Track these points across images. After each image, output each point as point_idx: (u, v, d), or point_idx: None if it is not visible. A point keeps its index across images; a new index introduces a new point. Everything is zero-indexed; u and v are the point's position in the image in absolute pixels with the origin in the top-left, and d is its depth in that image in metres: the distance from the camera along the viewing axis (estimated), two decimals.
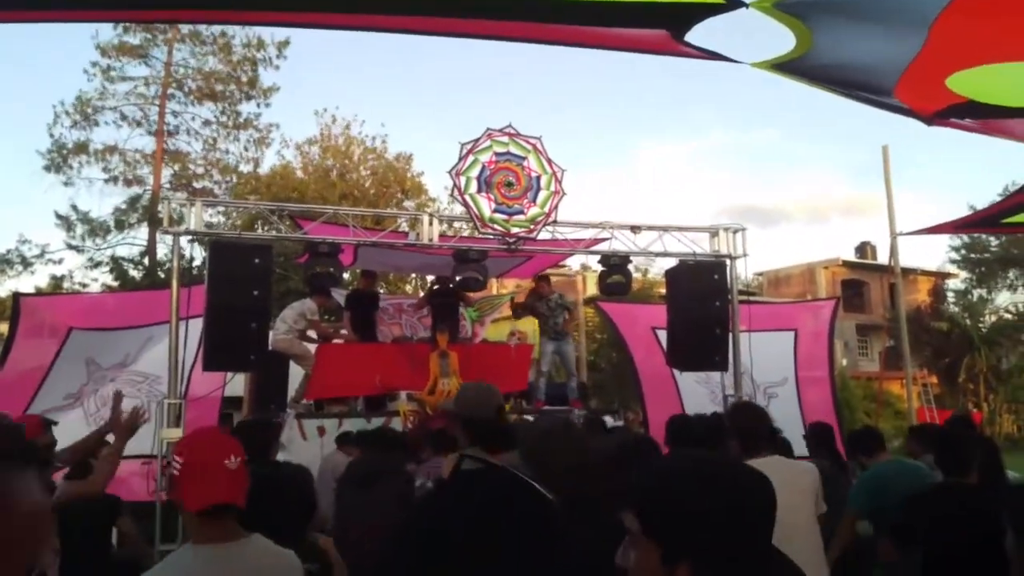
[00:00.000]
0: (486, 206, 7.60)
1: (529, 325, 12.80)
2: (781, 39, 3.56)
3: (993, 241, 34.82)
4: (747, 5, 3.16)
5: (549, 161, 7.84)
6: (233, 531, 2.15)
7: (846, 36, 3.54)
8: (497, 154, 7.69)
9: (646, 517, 1.31)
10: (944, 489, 3.69)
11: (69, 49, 46.53)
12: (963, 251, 36.78)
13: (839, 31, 3.47)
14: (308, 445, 7.92)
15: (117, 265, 23.99)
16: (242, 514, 2.17)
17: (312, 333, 9.12)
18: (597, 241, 8.74)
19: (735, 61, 3.86)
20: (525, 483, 2.07)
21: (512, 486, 2.00)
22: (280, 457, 6.62)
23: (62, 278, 24.28)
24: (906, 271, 35.61)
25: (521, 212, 7.73)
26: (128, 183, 25.81)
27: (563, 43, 4.14)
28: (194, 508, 2.05)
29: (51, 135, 25.06)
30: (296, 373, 9.10)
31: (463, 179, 7.57)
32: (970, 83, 3.86)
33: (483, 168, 7.62)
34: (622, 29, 3.71)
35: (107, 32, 25.16)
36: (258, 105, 26.68)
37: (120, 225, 25.00)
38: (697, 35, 3.56)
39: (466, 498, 1.86)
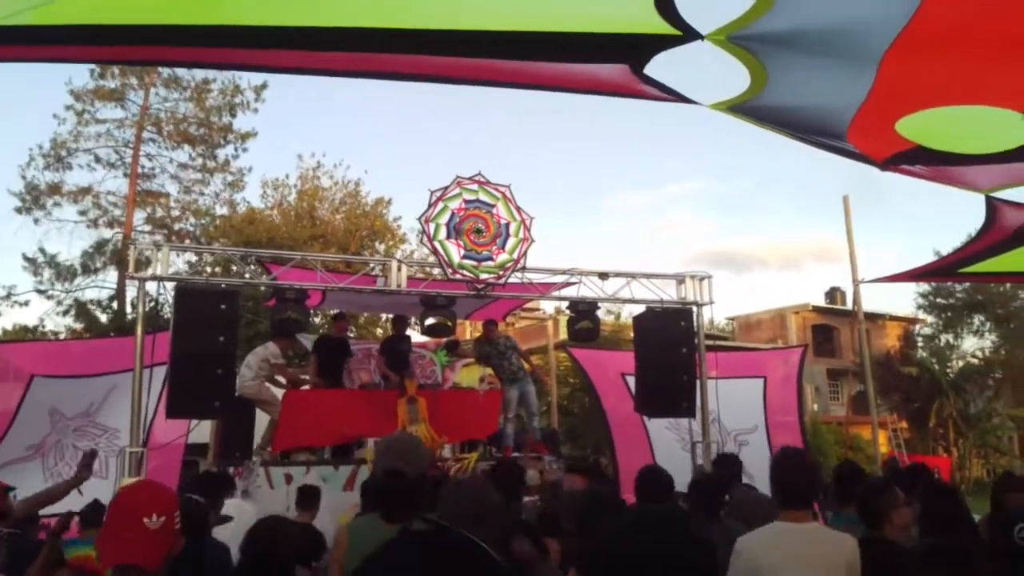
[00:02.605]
0: (455, 252, 7.66)
1: None
2: (737, 79, 3.65)
3: (958, 287, 35.48)
4: (703, 37, 3.25)
5: (518, 209, 7.95)
6: None
7: (799, 74, 3.62)
8: (467, 201, 7.78)
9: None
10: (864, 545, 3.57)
11: (41, 90, 46.45)
12: (930, 296, 37.41)
13: (792, 68, 3.54)
14: (275, 493, 7.79)
15: (83, 309, 23.72)
16: None
17: (280, 378, 9.04)
18: (566, 286, 8.82)
19: (693, 102, 3.93)
20: (476, 545, 2.07)
21: (462, 548, 2.00)
22: (248, 504, 6.56)
23: (35, 328, 23.95)
24: (875, 316, 36.29)
25: (490, 258, 7.80)
26: (104, 225, 25.72)
27: (524, 85, 4.09)
28: (106, 564, 2.00)
29: (23, 177, 24.97)
30: (263, 419, 8.99)
31: (432, 225, 7.64)
32: (919, 128, 3.96)
33: (453, 215, 7.70)
34: (582, 65, 3.75)
35: (81, 77, 25.21)
36: (235, 149, 26.79)
37: (86, 268, 24.80)
38: (656, 75, 3.63)
39: (415, 560, 1.86)
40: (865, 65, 3.28)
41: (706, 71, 3.66)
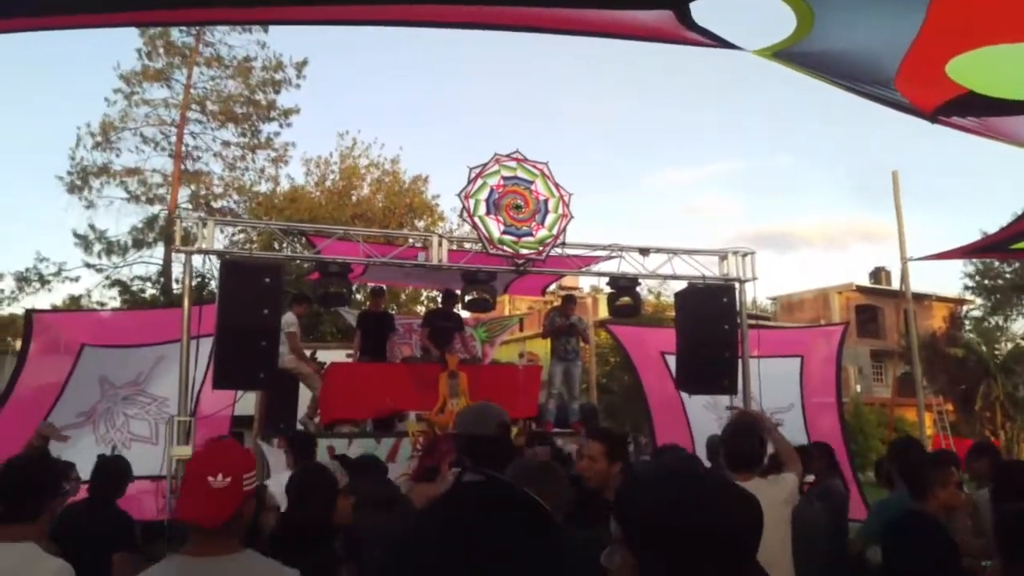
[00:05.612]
0: (495, 228, 7.67)
1: (541, 347, 12.78)
2: (782, 23, 3.57)
3: (1007, 268, 34.52)
4: None
5: (556, 185, 7.92)
6: (223, 545, 2.09)
7: (847, 14, 3.53)
8: (505, 178, 7.78)
9: (624, 526, 1.33)
10: (907, 518, 3.71)
11: (91, 70, 47.38)
12: (977, 277, 36.47)
13: (840, 7, 3.45)
14: None
15: (126, 288, 24.27)
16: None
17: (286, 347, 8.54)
18: (607, 259, 8.77)
19: (737, 47, 3.86)
20: (525, 495, 2.09)
21: (512, 497, 2.02)
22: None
23: (79, 297, 24.54)
24: (922, 296, 35.46)
25: (530, 234, 7.80)
26: (150, 201, 26.18)
27: (568, 31, 4.06)
28: (177, 517, 2.09)
29: (72, 157, 25.47)
30: (306, 391, 9.13)
31: (472, 201, 7.65)
32: (969, 70, 3.79)
33: (491, 191, 7.70)
34: (626, 12, 3.69)
35: (128, 61, 25.56)
36: (280, 126, 27.03)
37: (138, 244, 25.32)
38: (700, 20, 3.55)
39: (466, 507, 1.88)
40: (915, 2, 3.18)
41: (750, 15, 3.59)
